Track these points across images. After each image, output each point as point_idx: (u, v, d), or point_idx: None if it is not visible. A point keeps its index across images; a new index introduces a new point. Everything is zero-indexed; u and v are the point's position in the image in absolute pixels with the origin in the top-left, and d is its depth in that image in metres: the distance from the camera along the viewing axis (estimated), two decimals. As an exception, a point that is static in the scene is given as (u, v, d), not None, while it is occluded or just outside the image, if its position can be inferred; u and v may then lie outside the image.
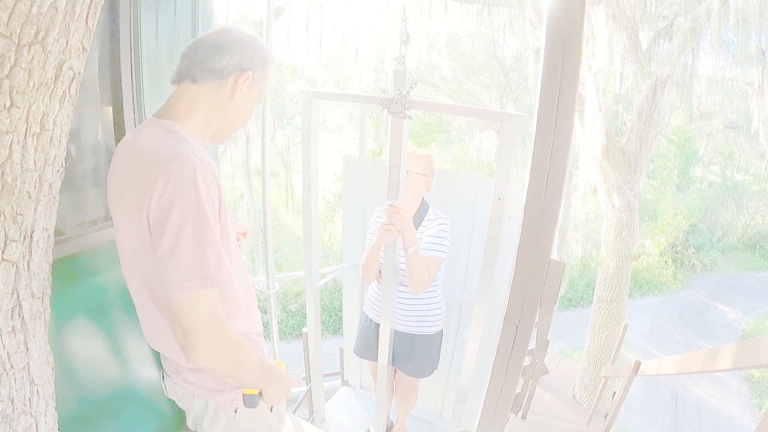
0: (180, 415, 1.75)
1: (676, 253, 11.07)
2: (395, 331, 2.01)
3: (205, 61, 0.94)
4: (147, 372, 1.61)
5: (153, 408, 1.67)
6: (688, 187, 11.26)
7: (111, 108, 1.40)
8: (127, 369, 1.55)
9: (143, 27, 1.36)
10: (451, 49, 12.08)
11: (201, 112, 0.95)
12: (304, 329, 2.40)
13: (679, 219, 10.69)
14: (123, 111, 1.40)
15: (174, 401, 1.25)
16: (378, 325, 2.02)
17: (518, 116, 1.46)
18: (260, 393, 1.01)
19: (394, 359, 2.09)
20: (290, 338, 8.88)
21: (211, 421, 1.04)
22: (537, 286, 0.99)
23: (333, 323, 9.22)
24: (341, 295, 2.93)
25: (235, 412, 1.02)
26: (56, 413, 0.96)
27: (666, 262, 10.87)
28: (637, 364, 2.72)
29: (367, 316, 2.17)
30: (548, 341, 2.69)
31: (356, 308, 2.58)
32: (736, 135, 9.36)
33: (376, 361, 1.99)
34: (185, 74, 0.95)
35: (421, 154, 1.91)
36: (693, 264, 11.07)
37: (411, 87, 1.45)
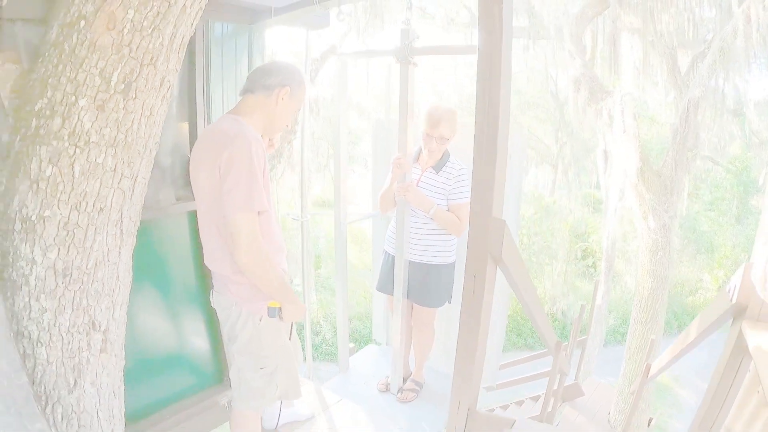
0: (220, 371, 2.13)
1: (736, 287, 10.29)
2: (410, 262, 2.24)
3: (259, 80, 1.45)
4: (195, 329, 2.03)
5: (196, 361, 2.08)
6: (748, 218, 10.56)
7: (187, 123, 1.90)
8: (179, 324, 1.99)
9: (212, 60, 1.86)
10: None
11: (256, 113, 1.45)
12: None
13: (738, 251, 10.01)
14: (196, 123, 1.89)
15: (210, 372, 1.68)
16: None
17: None
18: (280, 309, 1.38)
19: (410, 293, 2.29)
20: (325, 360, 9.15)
21: (242, 327, 1.43)
22: (485, 240, 1.28)
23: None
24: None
25: (260, 320, 1.41)
26: (126, 317, 1.34)
27: (725, 297, 10.11)
28: (648, 367, 2.78)
29: (386, 252, 2.39)
30: (560, 343, 2.80)
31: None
32: (798, 162, 8.79)
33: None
34: (247, 89, 1.47)
35: (451, 117, 2.12)
36: (754, 299, 10.22)
37: (413, 39, 1.94)
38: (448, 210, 2.19)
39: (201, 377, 2.10)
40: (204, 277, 1.92)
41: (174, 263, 1.92)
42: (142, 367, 1.79)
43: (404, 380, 2.48)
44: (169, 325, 1.94)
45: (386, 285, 2.39)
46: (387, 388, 2.46)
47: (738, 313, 1.28)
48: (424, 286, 2.27)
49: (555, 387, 3.23)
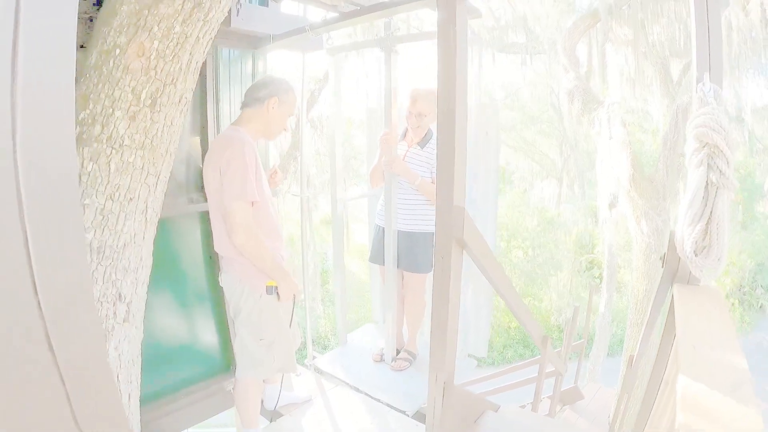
0: (227, 361, 2.33)
1: (744, 294, 10.26)
2: (398, 231, 2.44)
3: (252, 94, 1.74)
4: (205, 323, 2.25)
5: (206, 352, 2.29)
6: (753, 224, 10.53)
7: (198, 137, 2.17)
8: (191, 318, 2.20)
9: (221, 80, 2.14)
10: (511, 100, 12.43)
11: (252, 122, 1.73)
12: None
13: (744, 258, 9.99)
14: (207, 137, 2.15)
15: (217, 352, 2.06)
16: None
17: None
18: (276, 288, 1.61)
19: (399, 261, 2.47)
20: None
21: (245, 301, 1.67)
22: (449, 226, 1.51)
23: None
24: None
25: (260, 297, 1.64)
26: (146, 295, 1.55)
27: (733, 304, 10.06)
28: (631, 358, 2.93)
29: (377, 225, 2.58)
30: (547, 337, 2.95)
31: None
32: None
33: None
34: (244, 104, 1.76)
35: (428, 95, 2.34)
36: (762, 305, 10.20)
37: (394, 31, 2.23)
38: (432, 182, 2.40)
39: (210, 366, 2.33)
40: (214, 275, 2.16)
41: (187, 259, 2.17)
42: (157, 355, 2.02)
43: (398, 351, 2.62)
44: (182, 319, 2.18)
45: (378, 255, 2.58)
46: (381, 359, 2.60)
47: (672, 277, 1.47)
48: (412, 252, 2.46)
49: (543, 377, 3.36)
